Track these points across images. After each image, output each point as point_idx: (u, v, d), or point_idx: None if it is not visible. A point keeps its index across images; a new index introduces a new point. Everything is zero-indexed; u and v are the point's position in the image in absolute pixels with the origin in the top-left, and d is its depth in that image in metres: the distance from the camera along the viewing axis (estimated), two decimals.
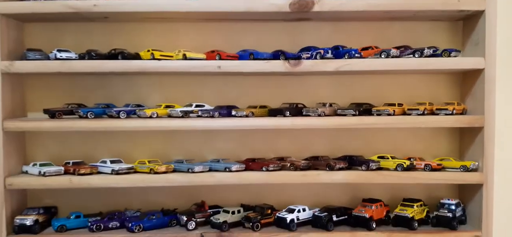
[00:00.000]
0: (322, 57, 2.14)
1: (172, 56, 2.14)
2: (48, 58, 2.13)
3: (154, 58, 2.11)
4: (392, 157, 2.22)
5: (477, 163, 2.18)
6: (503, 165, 2.27)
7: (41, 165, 2.16)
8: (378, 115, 2.19)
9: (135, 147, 2.35)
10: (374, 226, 2.15)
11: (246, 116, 2.16)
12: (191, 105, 2.21)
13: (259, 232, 2.14)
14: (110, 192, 2.33)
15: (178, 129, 2.15)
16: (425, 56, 2.16)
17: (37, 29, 2.32)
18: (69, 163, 2.20)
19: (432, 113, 2.22)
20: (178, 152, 2.36)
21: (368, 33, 2.36)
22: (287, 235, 2.13)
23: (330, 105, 2.24)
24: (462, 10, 2.15)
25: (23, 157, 2.30)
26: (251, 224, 2.15)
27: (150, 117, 2.15)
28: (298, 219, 2.18)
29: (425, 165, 2.18)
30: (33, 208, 2.20)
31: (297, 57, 2.15)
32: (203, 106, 2.21)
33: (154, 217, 2.18)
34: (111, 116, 2.17)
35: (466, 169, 2.16)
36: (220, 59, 2.14)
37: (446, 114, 2.18)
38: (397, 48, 2.19)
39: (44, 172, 2.10)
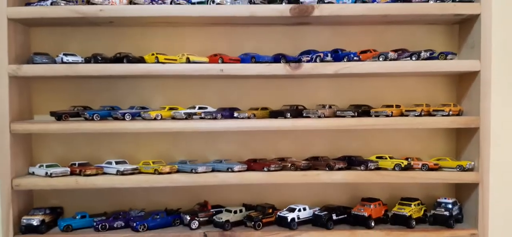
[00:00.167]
0: (322, 60, 2.20)
1: (176, 60, 2.19)
2: (54, 62, 2.18)
3: (158, 62, 2.17)
4: (390, 157, 2.28)
5: (473, 163, 2.24)
6: (498, 164, 2.32)
7: (47, 166, 2.21)
8: (376, 116, 2.24)
9: (139, 148, 2.40)
10: (373, 224, 2.20)
11: (248, 117, 2.22)
12: (194, 107, 2.26)
13: (261, 231, 2.19)
14: (114, 193, 2.38)
15: (182, 130, 2.20)
16: (422, 59, 2.22)
17: (43, 33, 2.37)
18: (75, 164, 2.25)
19: (429, 114, 2.27)
20: (181, 153, 2.42)
21: (367, 36, 2.41)
22: (288, 233, 2.18)
23: (330, 107, 2.30)
24: (458, 14, 2.21)
25: (29, 159, 2.35)
26: (253, 223, 2.20)
27: (155, 119, 2.20)
28: (298, 218, 2.22)
29: (423, 164, 2.24)
30: (40, 209, 2.24)
31: (297, 60, 2.20)
32: (206, 108, 2.26)
33: (158, 216, 2.23)
34: (116, 118, 2.22)
35: (462, 168, 2.22)
36: (223, 62, 2.20)
37: (443, 115, 2.23)
38: (395, 51, 2.25)
39: (51, 173, 2.15)
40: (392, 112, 2.23)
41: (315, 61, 2.20)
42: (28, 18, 2.16)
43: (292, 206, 2.28)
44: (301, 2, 2.17)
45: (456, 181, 2.27)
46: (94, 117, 2.20)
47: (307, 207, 2.27)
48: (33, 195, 2.38)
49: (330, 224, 2.20)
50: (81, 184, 2.15)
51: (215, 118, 2.22)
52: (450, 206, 2.25)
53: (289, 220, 2.20)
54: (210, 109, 2.26)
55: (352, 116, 2.22)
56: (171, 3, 2.17)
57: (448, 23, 2.42)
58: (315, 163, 2.27)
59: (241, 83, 2.42)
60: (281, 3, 2.18)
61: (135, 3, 2.16)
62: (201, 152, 2.42)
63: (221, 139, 2.43)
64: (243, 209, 2.29)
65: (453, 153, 2.45)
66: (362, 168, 2.22)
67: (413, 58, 2.21)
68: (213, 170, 2.24)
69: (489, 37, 2.18)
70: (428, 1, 2.18)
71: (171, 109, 2.26)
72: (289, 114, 2.23)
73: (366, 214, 2.21)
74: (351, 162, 2.27)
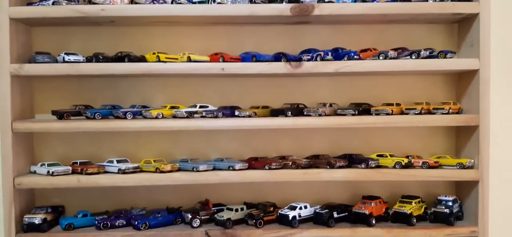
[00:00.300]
0: (322, 59, 2.21)
1: (177, 59, 2.20)
2: (56, 61, 2.19)
3: (159, 61, 2.18)
4: (391, 155, 2.29)
5: (473, 160, 2.25)
6: (497, 162, 2.34)
7: (49, 165, 2.22)
8: (377, 114, 2.25)
9: (140, 147, 2.41)
10: (373, 222, 2.21)
11: (249, 116, 2.23)
12: (195, 106, 2.27)
13: (262, 229, 2.20)
14: (115, 191, 2.38)
15: (183, 129, 2.21)
16: (422, 58, 2.23)
17: (45, 33, 2.38)
18: (76, 163, 2.25)
19: (429, 112, 2.28)
20: (182, 152, 2.42)
21: (366, 35, 2.43)
22: (289, 231, 2.19)
23: (330, 105, 2.31)
24: (457, 13, 2.22)
25: (31, 158, 2.35)
26: (254, 221, 2.21)
27: (156, 117, 2.21)
28: (300, 216, 2.23)
29: (423, 162, 2.25)
30: (41, 207, 2.25)
31: (298, 59, 2.22)
32: (207, 107, 2.27)
33: (159, 215, 2.24)
34: (117, 117, 2.23)
35: (462, 166, 2.23)
36: (224, 61, 2.21)
37: (443, 114, 2.25)
38: (395, 50, 2.27)
39: (53, 172, 2.16)
40: (392, 111, 2.24)
41: (316, 59, 2.21)
42: (30, 17, 2.17)
43: (293, 204, 2.29)
44: (302, 2, 2.18)
45: (456, 179, 2.28)
46: (96, 116, 2.21)
47: (308, 205, 2.28)
48: (34, 194, 2.38)
49: (331, 222, 2.21)
50: (83, 183, 2.16)
51: (216, 117, 2.23)
52: (450, 203, 2.26)
53: (290, 218, 2.21)
54: (211, 107, 2.27)
55: (353, 115, 2.24)
56: (172, 3, 2.18)
57: (447, 22, 2.44)
58: (316, 161, 2.28)
59: (241, 82, 2.44)
60: (282, 2, 2.20)
61: (136, 3, 2.17)
62: (202, 150, 2.43)
63: (222, 137, 2.44)
64: (245, 207, 2.30)
65: (453, 151, 2.46)
66: (362, 166, 2.24)
67: (413, 57, 2.23)
68: (214, 169, 2.24)
69: (488, 36, 2.19)
70: (427, 0, 2.20)
71: (172, 107, 2.27)
72: (290, 112, 2.24)
73: (367, 212, 2.22)
74: (352, 160, 2.28)
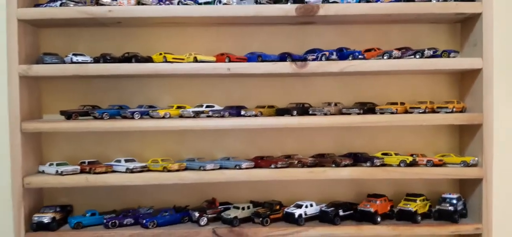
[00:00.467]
0: (327, 59, 2.23)
1: (183, 59, 2.22)
2: (63, 62, 2.22)
3: (166, 61, 2.20)
4: (396, 154, 2.31)
5: (476, 158, 2.27)
6: (500, 160, 2.36)
7: (57, 164, 2.24)
8: (381, 113, 2.28)
9: (146, 147, 2.43)
10: (379, 220, 2.24)
11: (255, 115, 2.25)
12: (201, 106, 2.29)
13: (269, 227, 2.22)
14: (123, 191, 2.40)
15: (190, 128, 2.23)
16: (426, 57, 2.26)
17: (52, 34, 2.40)
18: (84, 162, 2.28)
19: (433, 111, 2.31)
20: (189, 152, 2.45)
21: (370, 35, 2.45)
22: (295, 229, 2.21)
23: (335, 104, 2.33)
24: (460, 13, 2.25)
25: (39, 158, 2.38)
26: (260, 219, 2.23)
27: (163, 117, 2.23)
28: (305, 214, 2.26)
29: (427, 161, 2.27)
30: (50, 206, 2.27)
31: (303, 59, 2.24)
32: (213, 106, 2.29)
33: (167, 213, 2.26)
34: (125, 117, 2.26)
35: (466, 164, 2.25)
36: (230, 61, 2.23)
37: (447, 112, 2.27)
38: (399, 49, 2.29)
39: (61, 171, 2.18)
40: (396, 109, 2.27)
41: (321, 59, 2.23)
42: (38, 19, 2.19)
43: (299, 202, 2.31)
44: (307, 2, 2.21)
45: (460, 176, 2.31)
46: (103, 116, 2.23)
47: (313, 204, 2.30)
48: (42, 193, 2.41)
49: (337, 220, 2.23)
50: (91, 182, 2.18)
51: (222, 116, 2.26)
52: (454, 201, 2.28)
53: (296, 216, 2.23)
54: (217, 107, 2.29)
55: (358, 114, 2.26)
56: (178, 4, 2.21)
57: (450, 22, 2.47)
58: (321, 160, 2.30)
59: (247, 82, 2.46)
60: (287, 3, 2.22)
61: (143, 4, 2.20)
62: (208, 150, 2.45)
63: (228, 137, 2.46)
64: (251, 206, 2.32)
65: (456, 150, 2.49)
66: (368, 164, 2.26)
67: (417, 56, 2.25)
68: (221, 168, 2.27)
69: (490, 35, 2.22)
70: (430, 0, 2.22)
71: (179, 107, 2.29)
72: (295, 111, 2.26)
73: (372, 210, 2.24)
74: (357, 159, 2.30)
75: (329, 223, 2.24)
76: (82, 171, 2.23)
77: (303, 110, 2.30)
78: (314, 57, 2.24)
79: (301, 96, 2.44)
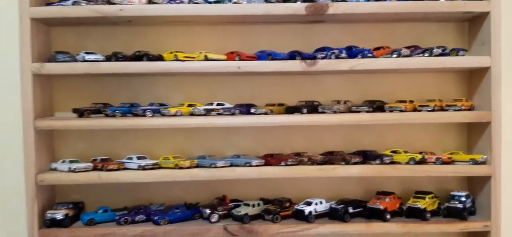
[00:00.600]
0: (337, 57, 2.25)
1: (194, 58, 2.24)
2: (75, 61, 2.24)
3: (177, 60, 2.22)
4: (405, 152, 2.33)
5: (485, 156, 2.29)
6: (509, 158, 2.38)
7: (70, 162, 2.26)
8: (390, 111, 2.29)
9: (157, 144, 2.45)
10: (388, 217, 2.25)
11: (265, 113, 2.27)
12: (212, 104, 2.31)
13: (279, 224, 2.24)
14: (133, 188, 2.42)
15: (201, 126, 2.25)
16: (435, 55, 2.27)
17: (63, 32, 2.43)
18: (96, 159, 2.30)
19: (441, 109, 2.32)
20: (199, 149, 2.47)
21: (378, 34, 2.47)
22: (305, 226, 2.23)
23: (345, 102, 2.35)
24: (468, 11, 2.26)
25: (51, 155, 2.40)
26: (271, 216, 2.25)
27: (175, 115, 2.25)
28: (315, 211, 2.27)
29: (436, 158, 2.29)
30: (62, 203, 2.29)
31: (313, 57, 2.26)
32: (223, 104, 2.31)
33: (178, 210, 2.28)
34: (136, 115, 2.28)
35: (475, 162, 2.27)
36: (240, 59, 2.25)
37: (455, 110, 2.28)
38: (408, 47, 2.31)
39: (74, 168, 2.20)
40: (406, 107, 2.28)
41: (330, 57, 2.25)
42: (50, 17, 2.21)
43: (309, 200, 2.32)
44: (316, 1, 2.22)
45: (469, 174, 2.32)
46: (116, 113, 2.25)
47: (323, 201, 2.32)
48: (55, 190, 2.43)
49: (346, 217, 2.25)
50: (103, 179, 2.20)
51: (233, 114, 2.28)
52: (463, 198, 2.29)
53: (306, 213, 2.25)
54: (227, 105, 2.31)
55: (367, 111, 2.27)
56: (189, 3, 2.22)
57: (458, 20, 2.48)
58: (331, 157, 2.32)
59: (256, 80, 2.48)
60: (296, 2, 2.24)
61: (154, 3, 2.22)
62: (218, 148, 2.47)
63: (238, 135, 2.48)
64: (261, 203, 2.34)
65: (464, 148, 2.50)
66: (377, 162, 2.27)
67: (426, 55, 2.27)
68: (231, 165, 2.28)
69: (498, 34, 2.23)
70: None
71: (189, 105, 2.31)
72: (305, 109, 2.28)
73: (381, 207, 2.26)
74: (366, 157, 2.32)
75: (338, 220, 2.26)
76: (95, 168, 2.25)
77: (313, 108, 2.32)
78: (324, 55, 2.25)
79: (310, 95, 2.46)
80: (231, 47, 2.39)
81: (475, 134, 2.41)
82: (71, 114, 2.34)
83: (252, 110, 2.30)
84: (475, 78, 2.41)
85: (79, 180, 2.21)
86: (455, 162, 2.32)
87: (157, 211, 2.28)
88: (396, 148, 2.40)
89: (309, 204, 2.29)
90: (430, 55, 2.27)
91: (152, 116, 2.27)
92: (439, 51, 2.28)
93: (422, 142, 2.49)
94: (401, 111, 2.28)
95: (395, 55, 2.26)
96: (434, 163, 2.29)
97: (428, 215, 2.27)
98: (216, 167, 2.24)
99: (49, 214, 2.21)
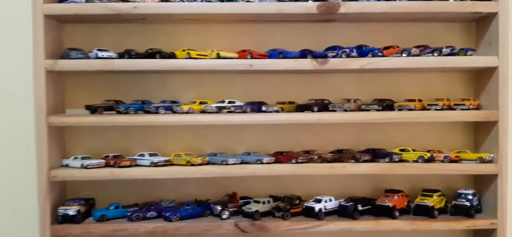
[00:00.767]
0: (348, 56, 2.27)
1: (206, 55, 2.26)
2: (87, 57, 2.25)
3: (190, 57, 2.24)
4: (413, 150, 2.36)
5: (492, 155, 2.32)
6: None
7: (82, 158, 2.28)
8: (400, 110, 2.32)
9: (168, 141, 2.47)
10: (397, 214, 2.28)
11: (276, 111, 2.29)
12: (223, 102, 2.33)
13: (289, 221, 2.27)
14: (144, 184, 2.44)
15: (213, 123, 2.26)
16: (443, 55, 2.30)
17: (75, 29, 2.44)
18: (108, 156, 2.32)
19: (449, 108, 2.35)
20: (210, 147, 2.49)
21: (386, 34, 2.49)
22: (315, 223, 2.26)
23: (355, 101, 2.38)
24: (477, 12, 2.29)
25: (63, 152, 2.41)
26: (281, 213, 2.28)
27: (187, 112, 2.27)
28: (325, 208, 2.30)
29: (444, 157, 2.32)
30: (74, 199, 2.31)
31: (324, 56, 2.28)
32: (234, 102, 2.33)
33: (189, 207, 2.30)
34: (148, 112, 2.30)
35: (482, 160, 2.30)
36: (252, 58, 2.27)
37: (463, 109, 2.32)
38: (417, 47, 2.34)
39: (87, 165, 2.22)
40: (415, 106, 2.31)
41: (341, 56, 2.28)
42: (63, 14, 2.22)
43: (318, 197, 2.35)
44: (327, 0, 2.25)
45: (476, 172, 2.35)
46: (129, 110, 2.27)
47: (332, 198, 2.35)
48: (66, 187, 2.44)
49: (356, 214, 2.28)
50: (116, 175, 2.22)
51: (244, 112, 2.30)
52: (470, 197, 2.33)
53: (316, 210, 2.27)
54: (238, 103, 2.33)
55: (377, 110, 2.30)
56: (201, 1, 2.24)
57: (466, 21, 2.51)
58: (340, 155, 2.35)
59: (266, 79, 2.50)
60: (308, 1, 2.26)
61: (168, 0, 2.23)
62: (229, 145, 2.49)
63: (248, 132, 2.50)
64: (271, 200, 2.36)
65: (471, 146, 2.53)
66: (386, 160, 2.30)
67: (435, 54, 2.30)
68: (242, 162, 2.30)
69: (506, 34, 2.26)
70: None
71: (201, 103, 2.33)
72: (316, 107, 2.31)
73: (390, 205, 2.28)
74: (375, 155, 2.35)
75: (348, 218, 2.29)
76: (107, 165, 2.26)
77: (323, 106, 2.34)
78: (334, 54, 2.28)
79: (320, 93, 2.48)
80: (242, 45, 2.41)
81: (482, 133, 2.45)
82: (83, 110, 2.35)
83: (263, 108, 2.32)
84: (482, 77, 2.45)
85: (91, 177, 2.22)
86: (463, 160, 2.35)
87: (168, 208, 2.30)
88: (404, 146, 2.43)
89: (318, 201, 2.32)
90: (439, 55, 2.30)
91: (165, 113, 2.28)
92: (448, 50, 2.31)
93: (430, 140, 2.52)
94: (410, 109, 2.31)
95: (405, 54, 2.28)
96: (442, 161, 2.32)
97: (436, 212, 2.30)
98: (227, 164, 2.26)
99: (61, 210, 2.22)
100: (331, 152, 2.40)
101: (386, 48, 2.34)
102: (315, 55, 2.29)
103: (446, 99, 2.37)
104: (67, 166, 2.31)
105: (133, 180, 2.32)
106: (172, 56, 2.28)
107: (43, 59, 2.19)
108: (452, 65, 2.29)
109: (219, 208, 2.29)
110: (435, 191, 2.38)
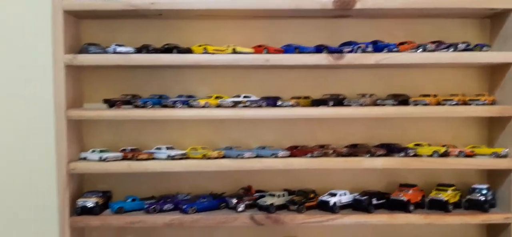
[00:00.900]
0: (363, 51, 2.29)
1: (223, 51, 2.29)
2: (105, 53, 2.28)
3: (206, 52, 2.26)
4: (428, 145, 2.37)
5: (507, 149, 2.33)
6: None
7: (100, 151, 2.31)
8: (415, 105, 2.34)
9: (184, 136, 2.50)
10: (412, 208, 2.30)
11: (292, 106, 2.31)
12: (239, 96, 2.36)
13: (304, 214, 2.29)
14: (160, 177, 2.47)
15: (229, 118, 2.29)
16: (459, 51, 2.31)
17: (93, 25, 2.47)
18: (125, 149, 2.35)
19: (464, 103, 2.36)
20: (225, 141, 2.51)
21: (401, 29, 2.49)
22: (330, 216, 2.28)
23: (370, 96, 2.39)
24: (492, 8, 2.30)
25: (81, 145, 2.45)
26: (296, 207, 2.30)
27: (204, 106, 2.30)
28: (340, 202, 2.32)
29: (459, 152, 2.33)
30: (92, 192, 2.35)
31: (339, 51, 2.30)
32: (250, 97, 2.36)
33: (205, 200, 2.33)
34: (165, 106, 2.33)
35: (497, 155, 2.31)
36: (268, 53, 2.29)
37: (478, 105, 2.33)
38: (432, 43, 2.35)
39: (105, 158, 2.25)
40: (430, 101, 2.32)
41: (357, 52, 2.29)
42: (81, 10, 2.25)
43: (333, 191, 2.37)
44: None
45: (491, 167, 2.36)
46: (147, 104, 2.30)
47: (347, 192, 2.37)
48: (83, 179, 2.48)
49: (371, 208, 2.30)
50: (133, 168, 2.25)
51: (260, 106, 2.32)
52: (485, 191, 2.34)
53: (331, 204, 2.29)
54: (254, 98, 2.36)
55: (393, 105, 2.32)
56: None
57: (480, 17, 2.51)
58: (355, 150, 2.36)
59: (281, 74, 2.52)
60: None
61: None
62: (244, 139, 2.52)
63: (263, 127, 2.53)
64: (286, 193, 2.39)
65: (485, 141, 2.54)
66: (401, 154, 2.31)
67: (451, 50, 2.30)
68: (257, 156, 2.33)
69: None
70: None
71: (217, 98, 2.36)
72: (331, 102, 2.32)
73: (405, 199, 2.30)
74: (390, 149, 2.36)
75: (363, 211, 2.31)
76: (124, 158, 2.30)
77: (338, 101, 2.36)
78: (350, 49, 2.29)
79: (335, 88, 2.49)
80: (258, 41, 2.42)
81: (496, 128, 2.45)
82: (100, 104, 2.38)
83: (279, 103, 2.35)
84: (496, 73, 2.45)
85: (109, 169, 2.26)
86: (477, 155, 2.36)
87: (185, 200, 2.33)
88: (418, 141, 2.44)
89: (333, 195, 2.34)
90: (454, 50, 2.30)
91: (181, 107, 2.31)
92: (463, 46, 2.32)
93: (443, 136, 2.53)
94: (425, 104, 2.32)
95: (420, 50, 2.29)
96: (457, 156, 2.33)
97: (450, 207, 2.31)
98: (243, 158, 2.28)
99: (80, 202, 2.26)
100: (345, 147, 2.41)
101: (402, 43, 2.35)
102: (330, 50, 2.31)
103: (461, 95, 2.38)
104: (85, 159, 2.34)
105: (149, 173, 2.35)
106: (188, 51, 2.30)
107: (62, 54, 2.22)
108: (467, 61, 2.29)
109: (234, 201, 2.32)
110: (450, 185, 2.39)
